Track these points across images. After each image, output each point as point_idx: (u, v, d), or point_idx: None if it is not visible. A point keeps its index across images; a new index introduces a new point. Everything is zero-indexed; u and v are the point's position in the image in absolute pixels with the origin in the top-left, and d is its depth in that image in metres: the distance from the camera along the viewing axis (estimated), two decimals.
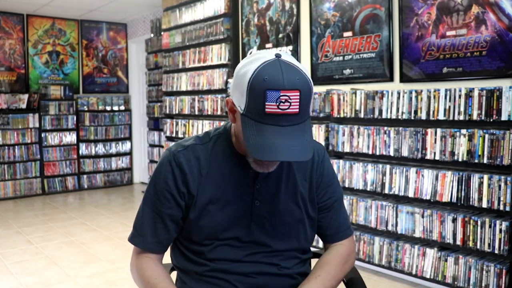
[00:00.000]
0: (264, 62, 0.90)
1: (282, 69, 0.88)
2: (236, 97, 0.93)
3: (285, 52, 0.97)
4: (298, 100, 0.87)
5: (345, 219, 1.19)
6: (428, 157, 2.70)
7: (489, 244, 2.45)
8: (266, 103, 0.86)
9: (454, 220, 2.59)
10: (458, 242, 2.57)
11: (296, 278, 1.12)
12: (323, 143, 3.22)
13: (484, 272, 2.47)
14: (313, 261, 1.19)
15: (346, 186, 3.12)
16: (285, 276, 1.10)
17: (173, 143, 5.16)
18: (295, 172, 1.10)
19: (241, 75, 0.91)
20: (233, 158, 1.06)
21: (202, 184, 1.04)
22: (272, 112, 0.87)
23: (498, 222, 2.41)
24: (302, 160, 0.91)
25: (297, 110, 0.88)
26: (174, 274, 1.35)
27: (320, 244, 3.09)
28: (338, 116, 3.18)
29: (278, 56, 0.91)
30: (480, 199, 2.48)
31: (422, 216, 2.73)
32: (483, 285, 2.47)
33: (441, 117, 2.64)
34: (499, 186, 2.40)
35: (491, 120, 2.44)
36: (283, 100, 0.87)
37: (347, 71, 3.24)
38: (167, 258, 1.20)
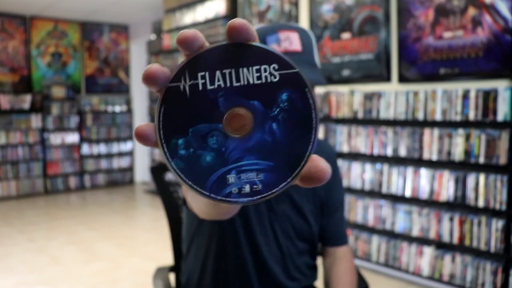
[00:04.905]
0: (261, 27, 0.94)
1: (277, 24, 0.92)
2: None
3: None
4: (298, 40, 0.87)
5: (345, 226, 1.19)
6: (425, 157, 2.73)
7: (485, 243, 2.48)
8: None
9: (451, 219, 2.63)
10: (455, 241, 2.61)
11: None
12: None
13: (480, 270, 2.50)
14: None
15: (345, 185, 3.15)
16: None
17: None
18: None
19: None
20: None
21: None
22: None
23: (494, 221, 2.45)
24: (314, 81, 0.88)
25: (300, 48, 0.87)
26: (173, 275, 1.39)
27: None
28: (336, 116, 3.22)
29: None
30: (476, 198, 2.52)
31: (420, 215, 2.77)
32: (479, 282, 2.50)
33: (438, 117, 2.68)
34: (495, 186, 2.44)
35: (488, 120, 2.47)
36: (283, 38, 0.86)
37: (345, 72, 3.27)
38: (166, 259, 1.23)
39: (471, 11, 2.59)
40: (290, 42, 0.86)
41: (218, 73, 0.29)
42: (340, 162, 3.18)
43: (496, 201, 2.43)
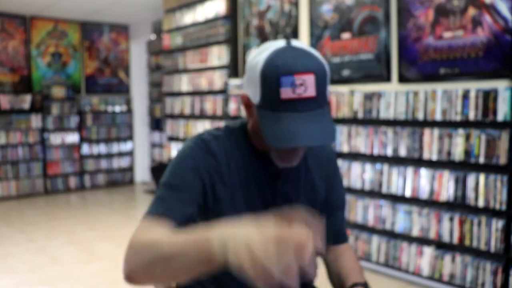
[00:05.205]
0: (274, 50, 0.88)
1: (293, 54, 0.86)
2: (250, 90, 0.91)
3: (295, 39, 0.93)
4: (313, 83, 0.86)
5: (346, 225, 1.19)
6: (425, 157, 2.73)
7: (485, 243, 2.48)
8: (281, 89, 0.84)
9: (451, 219, 2.63)
10: (455, 241, 2.61)
11: None
12: None
13: (480, 270, 2.50)
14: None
15: (345, 185, 3.15)
16: None
17: (174, 142, 5.04)
18: (313, 174, 1.08)
19: (253, 67, 0.89)
20: (251, 156, 1.00)
21: (227, 180, 0.97)
22: (288, 98, 0.84)
23: (494, 221, 2.44)
24: (324, 143, 0.88)
25: (314, 93, 0.86)
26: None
27: None
28: (336, 116, 3.22)
29: (288, 43, 0.89)
30: (476, 198, 2.52)
31: (420, 215, 2.77)
32: (479, 283, 2.50)
33: (438, 117, 2.67)
34: (495, 186, 2.44)
35: (488, 120, 2.47)
36: (298, 84, 0.85)
37: (345, 72, 3.27)
38: None
39: (471, 11, 2.59)
40: (305, 88, 0.85)
41: None
42: (340, 162, 3.18)
43: (496, 201, 2.43)
